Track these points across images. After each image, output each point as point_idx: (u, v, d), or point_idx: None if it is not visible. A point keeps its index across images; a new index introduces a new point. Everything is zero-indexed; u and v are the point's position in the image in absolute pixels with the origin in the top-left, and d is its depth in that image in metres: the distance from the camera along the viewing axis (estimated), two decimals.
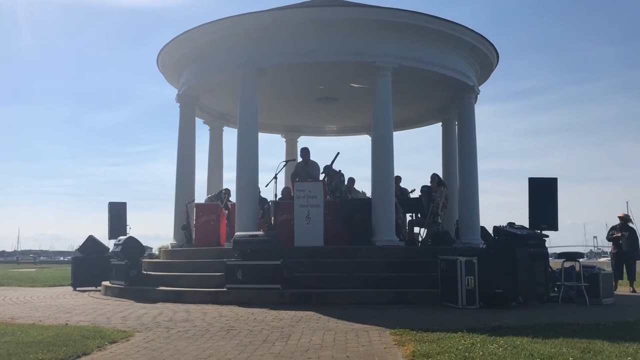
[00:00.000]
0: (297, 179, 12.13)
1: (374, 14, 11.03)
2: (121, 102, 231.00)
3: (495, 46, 12.48)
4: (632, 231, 12.07)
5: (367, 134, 15.76)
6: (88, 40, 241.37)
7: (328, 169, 12.32)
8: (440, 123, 15.37)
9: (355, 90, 12.87)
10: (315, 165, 12.22)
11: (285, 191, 12.56)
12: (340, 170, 12.59)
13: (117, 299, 9.99)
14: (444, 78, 12.05)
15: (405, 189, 13.41)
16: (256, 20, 11.16)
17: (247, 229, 10.44)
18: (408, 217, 13.08)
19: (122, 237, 11.56)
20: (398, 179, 13.05)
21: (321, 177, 12.23)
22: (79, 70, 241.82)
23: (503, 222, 10.29)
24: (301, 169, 12.39)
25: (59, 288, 13.53)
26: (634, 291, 11.48)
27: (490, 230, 9.59)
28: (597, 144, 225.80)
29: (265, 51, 11.25)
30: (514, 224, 10.11)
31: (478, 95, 13.41)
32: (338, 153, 12.23)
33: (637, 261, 12.34)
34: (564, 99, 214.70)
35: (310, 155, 12.50)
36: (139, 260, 10.94)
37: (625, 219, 12.20)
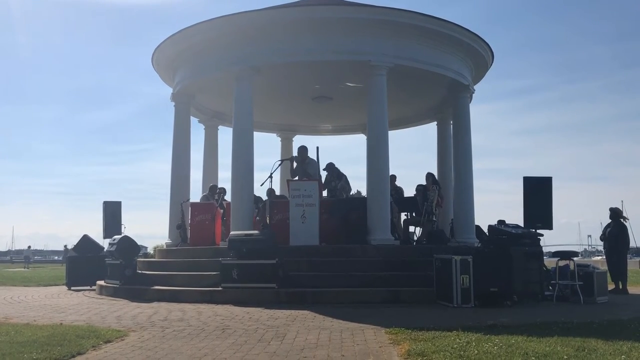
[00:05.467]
0: (295, 177, 12.12)
1: (369, 13, 11.04)
2: (116, 101, 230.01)
3: (490, 45, 12.52)
4: (620, 226, 11.30)
5: (362, 133, 15.77)
6: (83, 38, 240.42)
7: (331, 166, 12.36)
8: (436, 122, 15.42)
9: (350, 89, 12.87)
10: (313, 163, 12.21)
11: (270, 192, 12.33)
12: (341, 172, 12.61)
13: (112, 298, 9.97)
14: (439, 77, 12.07)
15: (399, 187, 13.40)
16: (251, 19, 11.15)
17: (242, 228, 10.44)
18: (403, 216, 13.09)
19: (117, 237, 11.52)
20: (393, 177, 13.05)
21: (323, 174, 12.24)
22: (73, 68, 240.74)
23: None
24: (299, 167, 12.38)
25: (53, 287, 13.49)
26: (616, 290, 10.80)
27: (485, 229, 9.60)
28: (592, 143, 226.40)
29: (260, 50, 11.24)
30: (504, 221, 10.12)
31: (473, 94, 13.45)
32: (317, 147, 12.29)
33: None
34: (558, 98, 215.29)
35: (308, 153, 12.47)
36: (133, 260, 10.92)
37: (613, 213, 11.44)
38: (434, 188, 12.44)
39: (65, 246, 43.24)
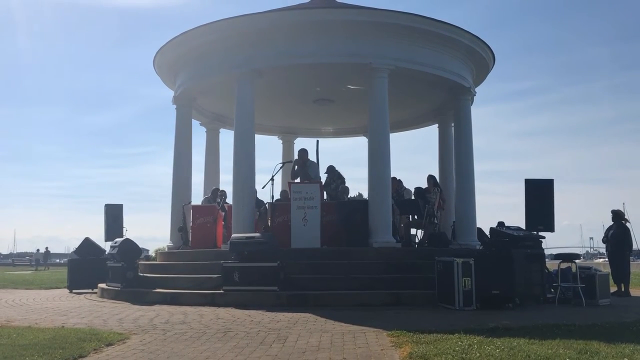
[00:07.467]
0: (296, 180, 12.13)
1: (370, 16, 11.05)
2: (117, 103, 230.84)
3: (491, 47, 12.50)
4: (623, 228, 11.29)
5: (363, 135, 15.76)
6: (84, 40, 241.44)
7: (331, 169, 12.34)
8: (437, 124, 15.40)
9: (351, 92, 12.87)
10: (313, 165, 12.21)
11: (284, 194, 12.53)
12: (340, 174, 12.61)
13: (114, 301, 9.97)
14: (440, 79, 12.07)
15: (407, 189, 13.36)
16: (253, 22, 11.16)
17: (244, 231, 10.44)
18: (405, 218, 13.06)
19: (119, 239, 11.53)
20: (400, 182, 13.03)
21: (323, 176, 12.25)
22: (74, 70, 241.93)
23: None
24: (300, 170, 12.39)
25: (55, 290, 13.49)
26: (618, 292, 10.76)
27: (487, 231, 9.59)
28: (593, 145, 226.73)
29: (261, 53, 11.25)
30: (503, 223, 10.10)
31: (474, 97, 13.44)
32: (317, 141, 12.28)
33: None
34: (559, 100, 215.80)
35: (308, 155, 12.48)
36: (135, 262, 10.92)
37: (615, 215, 11.41)
38: (436, 190, 12.43)
39: (46, 248, 43.79)
